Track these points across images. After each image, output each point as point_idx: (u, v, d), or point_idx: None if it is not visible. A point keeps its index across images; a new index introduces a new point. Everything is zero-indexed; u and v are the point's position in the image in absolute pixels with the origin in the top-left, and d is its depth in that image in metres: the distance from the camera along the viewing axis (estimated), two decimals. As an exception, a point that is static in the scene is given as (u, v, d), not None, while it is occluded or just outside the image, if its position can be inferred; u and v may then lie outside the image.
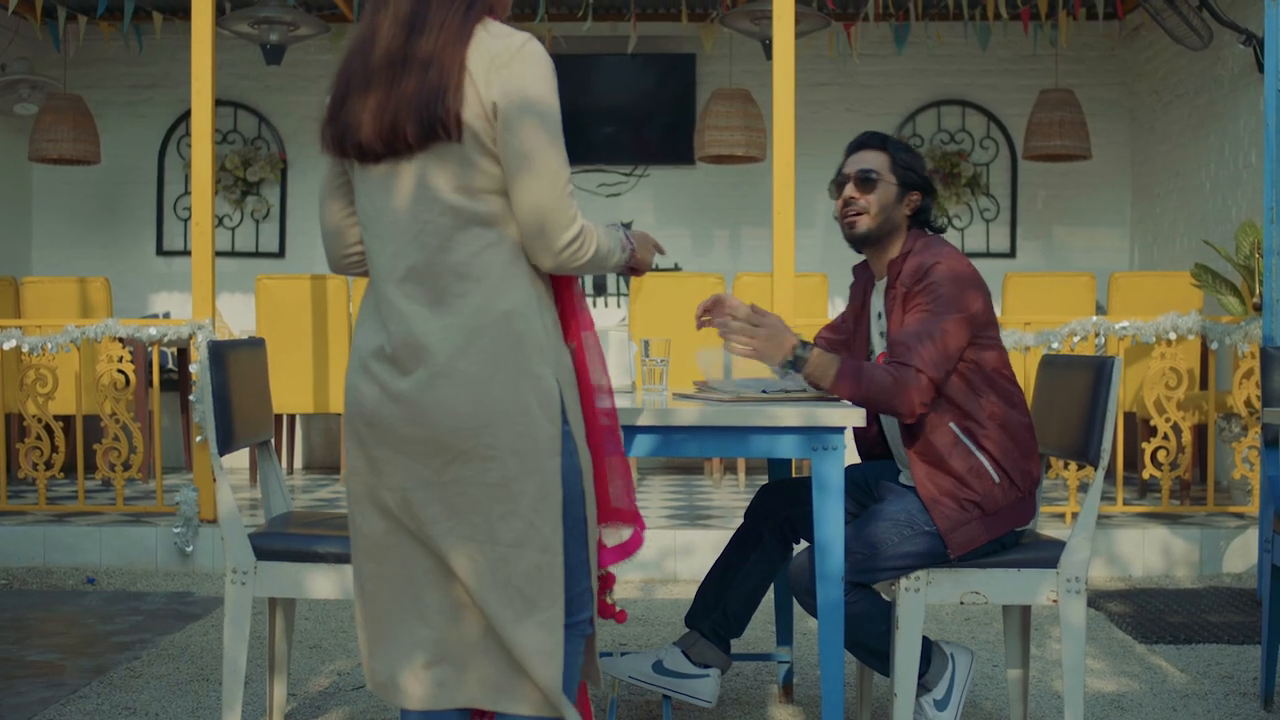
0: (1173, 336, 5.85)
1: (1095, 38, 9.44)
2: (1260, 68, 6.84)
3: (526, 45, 2.25)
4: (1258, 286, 6.05)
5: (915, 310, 3.14)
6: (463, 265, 2.25)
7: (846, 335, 3.57)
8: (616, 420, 2.48)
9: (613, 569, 2.57)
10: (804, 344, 3.09)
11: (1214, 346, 5.87)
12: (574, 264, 2.29)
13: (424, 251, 2.26)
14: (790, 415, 2.90)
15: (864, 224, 3.32)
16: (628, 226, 2.57)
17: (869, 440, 3.50)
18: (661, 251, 2.70)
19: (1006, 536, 3.19)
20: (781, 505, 3.46)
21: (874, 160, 3.35)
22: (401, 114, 2.22)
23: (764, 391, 3.19)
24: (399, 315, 2.27)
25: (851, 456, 3.19)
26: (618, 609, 2.62)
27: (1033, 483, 3.22)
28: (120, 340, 6.00)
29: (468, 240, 2.25)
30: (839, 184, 3.38)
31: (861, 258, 3.49)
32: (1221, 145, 7.72)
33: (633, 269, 2.57)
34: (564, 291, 2.43)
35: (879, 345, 3.39)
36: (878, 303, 3.40)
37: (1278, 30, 5.08)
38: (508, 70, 2.22)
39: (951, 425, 3.14)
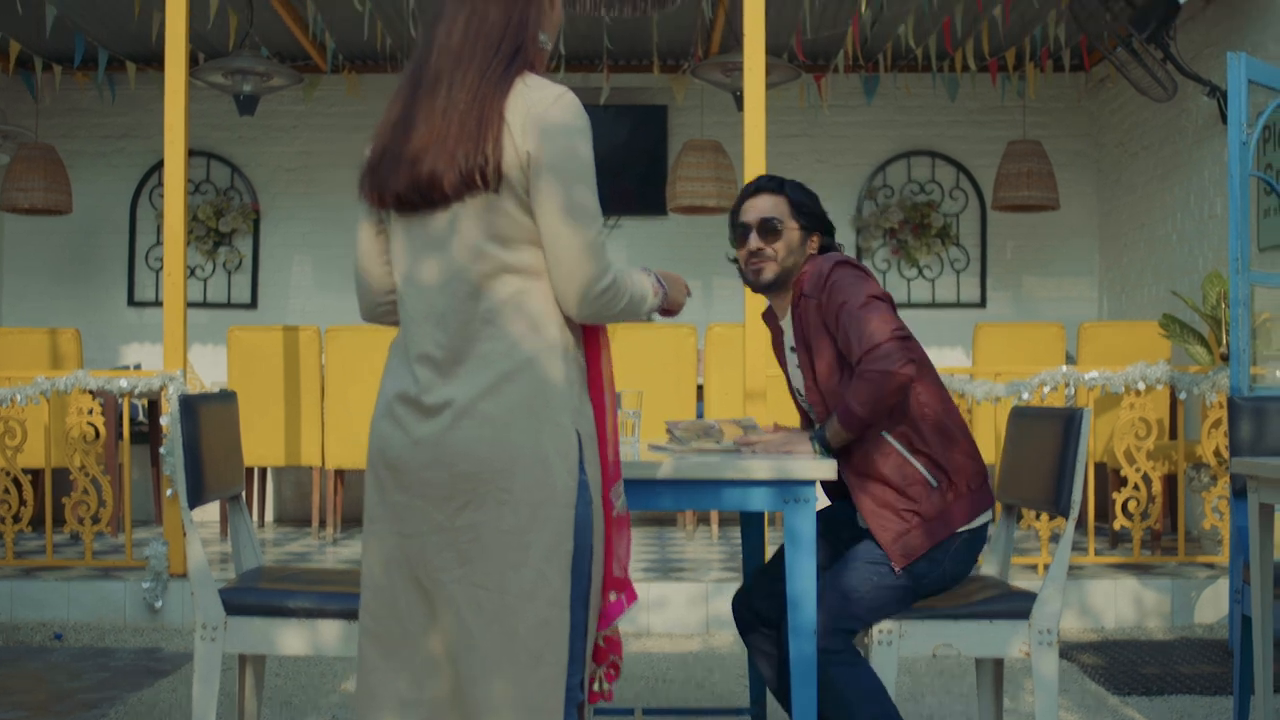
0: (1142, 387, 5.89)
1: (1062, 90, 9.55)
2: (1224, 119, 6.94)
3: (562, 97, 2.28)
4: (1225, 337, 6.11)
5: (837, 314, 3.15)
6: (491, 312, 2.27)
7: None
8: (619, 476, 2.46)
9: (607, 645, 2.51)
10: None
11: (1183, 396, 5.91)
12: (606, 314, 2.31)
13: (454, 299, 2.28)
14: (762, 468, 2.91)
15: (771, 271, 3.32)
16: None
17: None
18: (689, 293, 2.70)
19: (951, 541, 3.14)
20: (762, 608, 3.41)
21: (774, 206, 3.32)
22: (440, 164, 2.24)
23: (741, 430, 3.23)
24: (427, 360, 2.30)
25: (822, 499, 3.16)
26: (598, 688, 2.48)
27: (971, 477, 3.18)
28: (90, 392, 5.96)
29: (498, 288, 2.27)
30: (741, 233, 3.35)
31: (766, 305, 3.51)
32: (1187, 196, 7.81)
33: (665, 311, 2.58)
34: (590, 342, 2.43)
35: (797, 378, 3.39)
36: (789, 335, 3.40)
37: (1240, 83, 5.15)
38: (543, 121, 2.25)
39: (884, 434, 3.14)
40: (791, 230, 3.31)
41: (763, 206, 3.33)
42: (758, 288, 3.37)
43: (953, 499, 3.15)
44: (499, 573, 2.24)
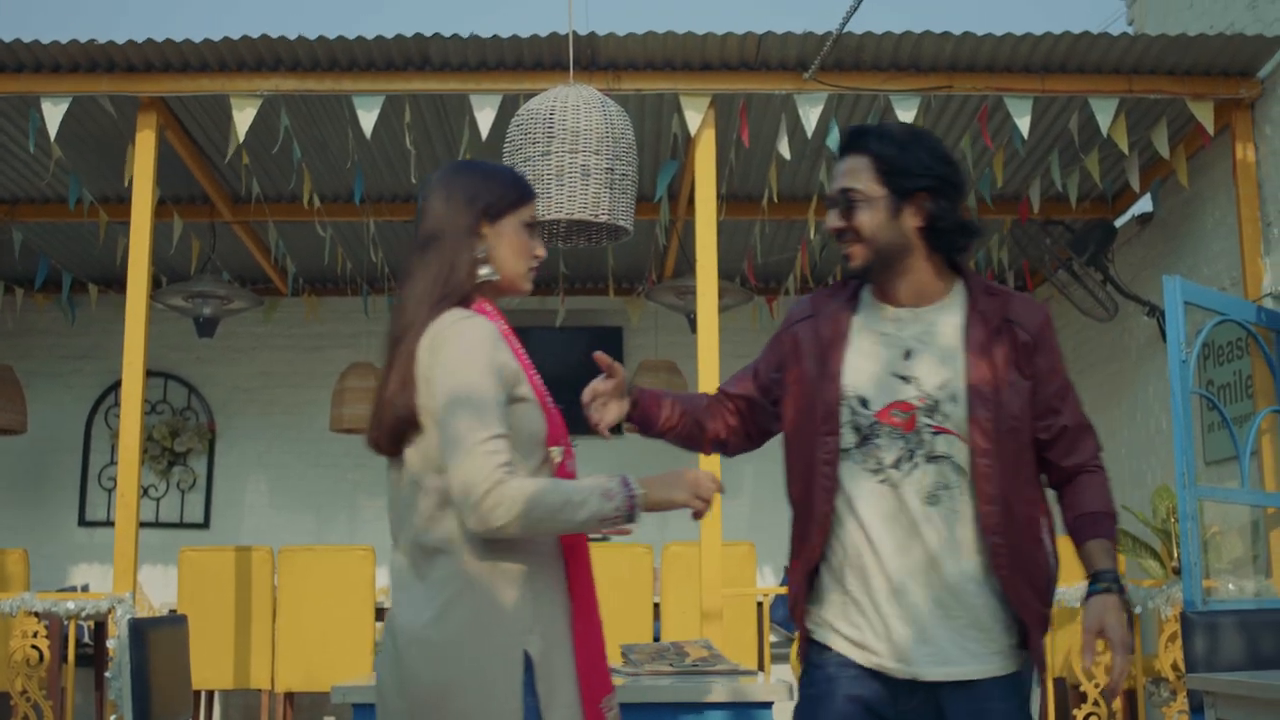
0: (1097, 602, 5.89)
1: (1007, 310, 9.77)
2: (1164, 337, 7.14)
3: (457, 323, 2.33)
4: (1176, 550, 6.16)
5: (1063, 385, 2.78)
6: (440, 540, 2.30)
7: (765, 390, 2.85)
8: (610, 688, 2.40)
9: None
10: (1096, 576, 2.51)
11: (1137, 610, 5.92)
12: (495, 524, 2.20)
13: (411, 530, 2.34)
14: (720, 691, 2.89)
15: (859, 258, 2.59)
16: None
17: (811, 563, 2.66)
18: (722, 490, 2.49)
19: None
20: None
21: (855, 171, 2.57)
22: (385, 414, 2.34)
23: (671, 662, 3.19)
24: (397, 588, 2.36)
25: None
26: None
27: None
28: (36, 615, 5.85)
29: (446, 516, 2.30)
30: (829, 205, 2.65)
31: (825, 287, 2.90)
32: (1133, 411, 7.96)
33: (700, 511, 2.45)
34: (573, 558, 2.45)
35: (894, 390, 2.56)
36: (899, 335, 2.62)
37: (1176, 305, 5.31)
38: (436, 342, 2.32)
39: (1041, 518, 2.59)
40: (876, 199, 2.54)
41: (844, 172, 2.59)
42: (849, 275, 2.68)
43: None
44: None
